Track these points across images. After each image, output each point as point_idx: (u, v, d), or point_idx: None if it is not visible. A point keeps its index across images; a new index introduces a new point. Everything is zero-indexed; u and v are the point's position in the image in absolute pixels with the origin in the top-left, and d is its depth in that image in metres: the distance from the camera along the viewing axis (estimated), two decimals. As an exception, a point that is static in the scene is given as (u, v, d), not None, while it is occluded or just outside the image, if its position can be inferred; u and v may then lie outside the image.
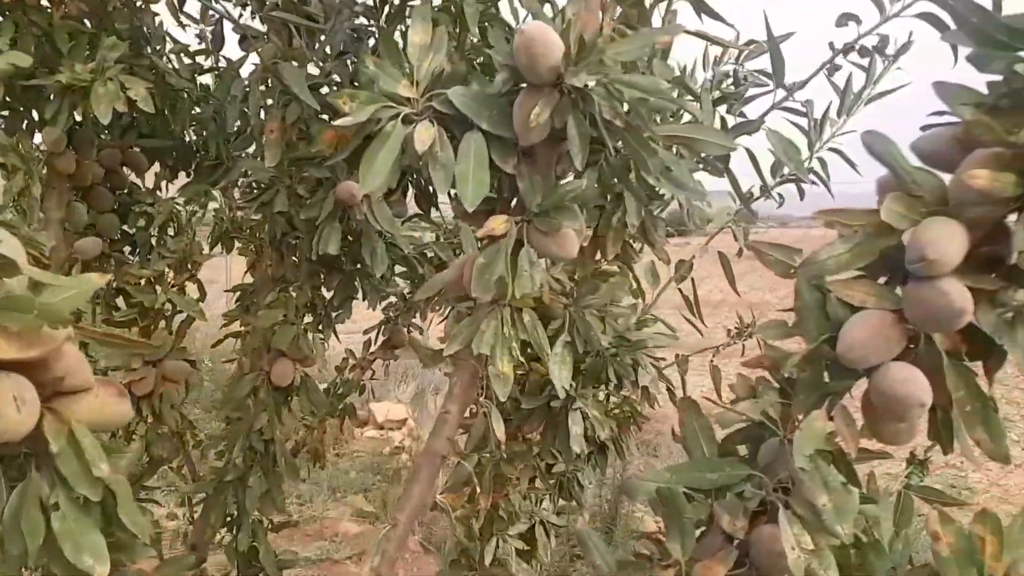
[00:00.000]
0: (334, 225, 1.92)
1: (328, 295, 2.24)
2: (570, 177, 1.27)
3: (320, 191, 1.91)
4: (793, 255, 1.00)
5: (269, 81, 1.92)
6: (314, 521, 5.59)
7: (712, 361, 2.24)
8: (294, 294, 2.15)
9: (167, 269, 2.12)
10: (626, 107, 1.10)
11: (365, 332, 3.14)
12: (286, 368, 2.17)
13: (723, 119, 1.99)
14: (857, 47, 1.77)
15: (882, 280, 0.98)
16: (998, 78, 0.92)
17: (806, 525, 0.96)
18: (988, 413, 0.90)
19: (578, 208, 1.27)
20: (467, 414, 1.70)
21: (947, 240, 0.86)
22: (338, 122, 1.06)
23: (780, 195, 2.46)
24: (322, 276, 2.21)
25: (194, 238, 2.21)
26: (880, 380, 0.92)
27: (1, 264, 0.75)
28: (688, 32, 1.91)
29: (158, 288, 2.13)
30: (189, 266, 2.16)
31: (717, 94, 2.01)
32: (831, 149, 2.15)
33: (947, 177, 0.93)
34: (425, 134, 1.08)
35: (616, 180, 1.22)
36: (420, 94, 1.12)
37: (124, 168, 2.48)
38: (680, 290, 2.41)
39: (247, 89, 1.85)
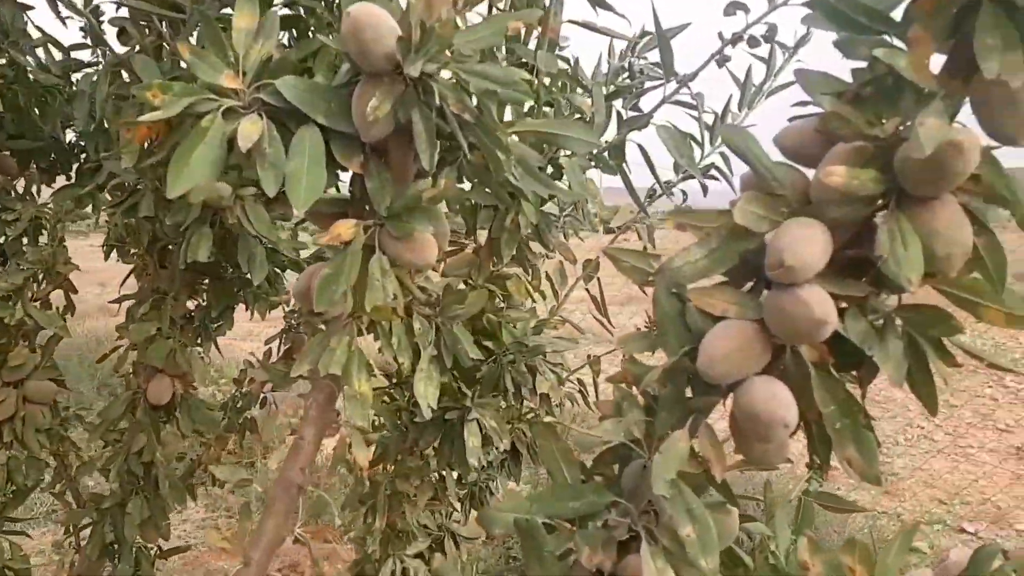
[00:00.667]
0: (203, 230, 1.77)
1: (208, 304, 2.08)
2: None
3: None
4: (651, 261, 0.91)
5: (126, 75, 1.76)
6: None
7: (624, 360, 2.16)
8: (169, 304, 1.99)
9: (27, 281, 1.93)
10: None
11: (267, 342, 2.98)
12: (163, 385, 2.01)
13: (619, 113, 1.91)
14: (746, 37, 1.70)
15: (749, 286, 0.91)
16: (863, 64, 0.85)
17: (670, 558, 0.87)
18: (859, 430, 0.83)
19: (439, 210, 1.17)
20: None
21: (807, 243, 0.78)
22: (144, 117, 0.93)
23: (684, 192, 2.40)
24: (200, 285, 2.06)
25: (58, 245, 2.03)
26: (741, 397, 0.84)
27: None
28: (572, 22, 1.84)
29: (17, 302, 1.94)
30: (52, 277, 1.98)
31: (612, 88, 1.93)
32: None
33: (812, 173, 0.85)
34: (251, 129, 0.96)
35: (477, 180, 1.12)
36: (247, 85, 0.99)
37: (-9, 172, 2.28)
38: (588, 290, 2.34)
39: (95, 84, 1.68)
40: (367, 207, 1.11)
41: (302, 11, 1.70)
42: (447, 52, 0.98)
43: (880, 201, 0.82)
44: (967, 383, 8.03)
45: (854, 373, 0.89)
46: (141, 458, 2.05)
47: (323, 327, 1.18)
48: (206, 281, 2.14)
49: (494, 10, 1.76)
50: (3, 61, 2.14)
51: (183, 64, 0.98)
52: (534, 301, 2.04)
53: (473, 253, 2.02)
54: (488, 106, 0.96)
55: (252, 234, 1.82)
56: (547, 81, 1.85)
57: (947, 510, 5.66)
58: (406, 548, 1.96)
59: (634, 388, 0.98)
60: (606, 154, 1.88)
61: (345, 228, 1.05)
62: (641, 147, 1.80)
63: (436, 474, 1.98)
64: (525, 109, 1.61)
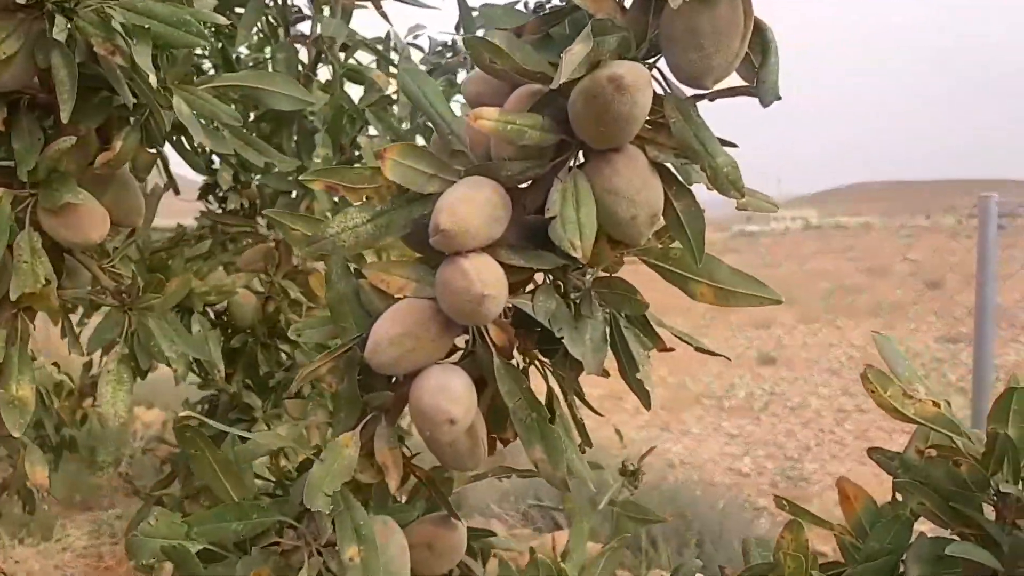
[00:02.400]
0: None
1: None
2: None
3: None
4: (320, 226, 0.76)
5: None
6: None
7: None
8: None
9: None
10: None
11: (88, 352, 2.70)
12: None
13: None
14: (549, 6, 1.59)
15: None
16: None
17: (336, 586, 0.72)
18: (545, 427, 0.70)
19: (126, 179, 0.99)
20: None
21: (469, 204, 0.65)
22: None
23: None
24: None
25: None
26: (413, 391, 0.70)
27: None
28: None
29: None
30: None
31: (431, 66, 1.80)
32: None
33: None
34: None
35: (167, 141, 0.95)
36: None
37: None
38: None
39: None
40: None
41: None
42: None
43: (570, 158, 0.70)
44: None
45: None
46: None
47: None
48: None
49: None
50: None
51: None
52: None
53: (272, 246, 1.84)
54: (137, 46, 0.79)
55: None
56: (342, 55, 1.71)
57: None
58: None
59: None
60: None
61: (-15, 198, 0.86)
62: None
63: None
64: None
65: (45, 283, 0.87)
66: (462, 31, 1.62)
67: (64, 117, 0.81)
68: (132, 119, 0.92)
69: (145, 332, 0.96)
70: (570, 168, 0.67)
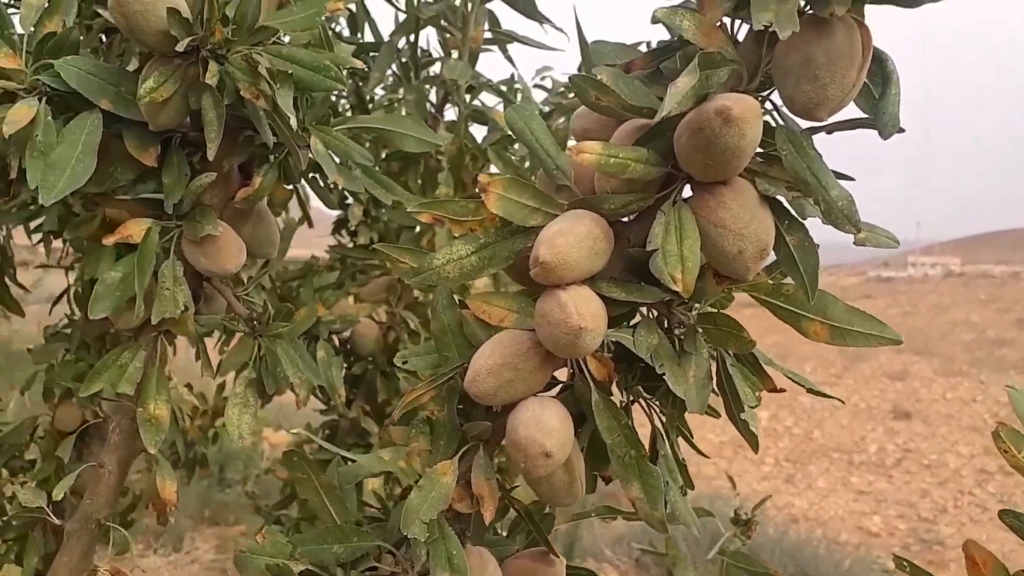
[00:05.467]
0: (106, 247, 1.70)
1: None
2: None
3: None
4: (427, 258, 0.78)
5: None
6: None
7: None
8: (79, 324, 1.91)
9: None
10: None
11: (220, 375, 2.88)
12: (71, 411, 1.92)
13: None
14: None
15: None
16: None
17: (430, 615, 0.72)
18: (643, 465, 0.68)
19: (263, 213, 1.06)
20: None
21: (570, 237, 0.65)
22: None
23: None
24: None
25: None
26: (510, 422, 0.70)
27: None
28: (495, 32, 1.75)
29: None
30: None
31: (552, 105, 1.83)
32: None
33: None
34: (20, 113, 0.87)
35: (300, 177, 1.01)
36: (28, 66, 0.91)
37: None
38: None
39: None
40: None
41: None
42: (252, 35, 0.88)
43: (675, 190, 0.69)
44: None
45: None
46: (47, 487, 1.94)
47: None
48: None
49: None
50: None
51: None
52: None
53: (396, 279, 1.91)
54: (280, 90, 0.85)
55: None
56: (468, 97, 1.77)
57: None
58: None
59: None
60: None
61: (136, 227, 0.95)
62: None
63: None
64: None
65: (184, 309, 0.94)
66: (583, 67, 1.64)
67: (210, 155, 0.88)
68: (271, 157, 0.99)
69: (272, 358, 1.02)
70: (675, 201, 0.66)
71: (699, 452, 0.81)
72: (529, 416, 0.68)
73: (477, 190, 0.68)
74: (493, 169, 1.79)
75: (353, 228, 2.01)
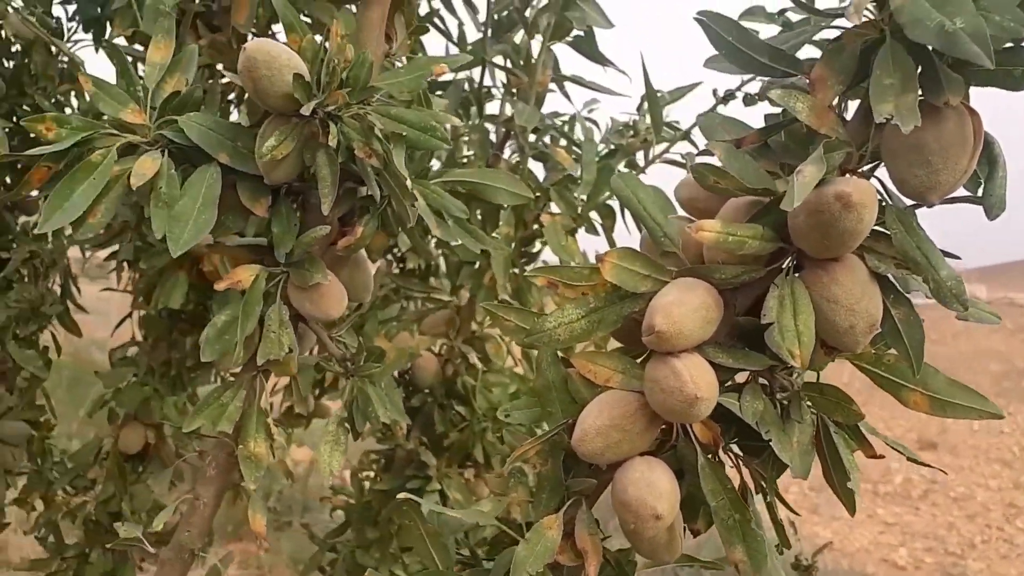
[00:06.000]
0: (178, 277, 1.76)
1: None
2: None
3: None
4: (536, 320, 0.82)
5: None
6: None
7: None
8: (147, 351, 1.97)
9: (11, 320, 1.95)
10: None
11: (271, 393, 2.94)
12: (135, 434, 1.98)
13: (617, 171, 1.84)
14: (740, 94, 1.62)
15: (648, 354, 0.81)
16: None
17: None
18: (747, 529, 0.71)
19: (361, 261, 1.11)
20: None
21: (684, 307, 0.69)
22: (35, 150, 0.91)
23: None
24: (185, 331, 2.04)
25: (50, 286, 2.05)
26: (617, 481, 0.74)
27: None
28: (562, 77, 1.80)
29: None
30: (39, 317, 1.99)
31: (607, 147, 1.87)
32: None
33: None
34: (147, 166, 0.93)
35: (399, 229, 1.06)
36: (152, 121, 0.97)
37: (13, 211, 2.35)
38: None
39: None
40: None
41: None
42: (363, 96, 0.93)
43: (784, 262, 0.72)
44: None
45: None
46: (108, 508, 2.00)
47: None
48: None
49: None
50: (29, 103, 2.21)
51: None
52: (516, 364, 1.95)
53: (454, 312, 1.95)
54: (394, 149, 0.90)
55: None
56: (532, 136, 1.81)
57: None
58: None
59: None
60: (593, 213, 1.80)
61: (246, 273, 1.00)
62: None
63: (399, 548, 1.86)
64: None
65: (288, 351, 0.98)
66: (648, 114, 1.68)
67: (325, 210, 0.93)
68: (370, 208, 1.03)
69: (364, 398, 1.06)
70: (786, 274, 0.69)
71: (791, 511, 0.83)
72: (639, 477, 0.72)
73: (595, 260, 0.71)
74: (554, 208, 1.83)
75: (400, 254, 2.06)
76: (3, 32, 2.01)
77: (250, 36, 1.38)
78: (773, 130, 0.74)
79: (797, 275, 0.69)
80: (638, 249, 0.74)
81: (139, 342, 2.00)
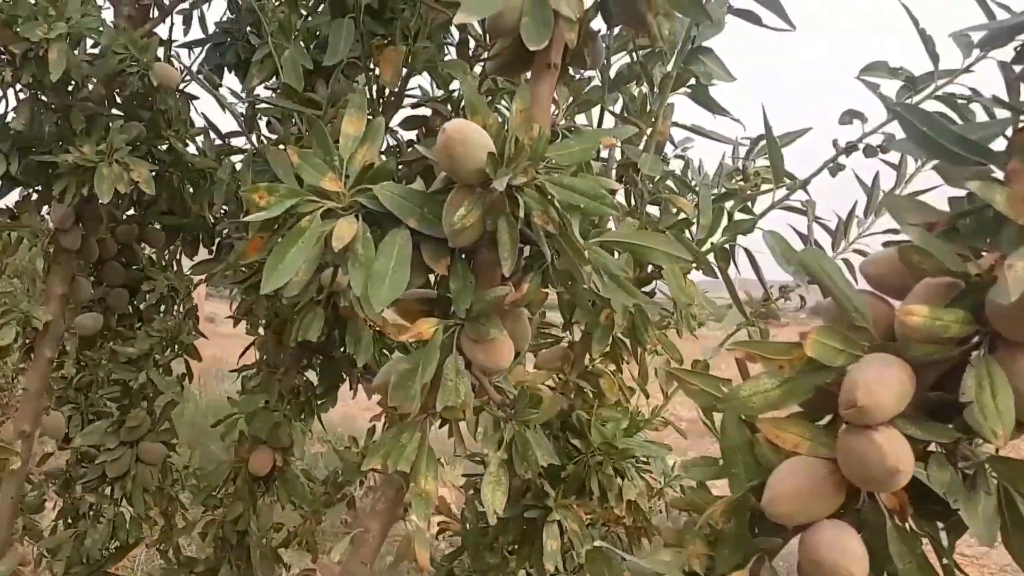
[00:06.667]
0: (316, 311, 1.88)
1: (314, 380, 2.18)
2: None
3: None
4: (719, 386, 0.88)
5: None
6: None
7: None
8: (278, 379, 2.09)
9: (152, 348, 2.10)
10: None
11: (372, 420, 3.05)
12: (264, 457, 2.10)
13: (730, 216, 1.89)
14: (862, 146, 1.65)
15: (826, 420, 0.86)
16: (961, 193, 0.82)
17: None
18: (938, 594, 0.75)
19: (522, 314, 1.18)
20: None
21: (883, 384, 0.74)
22: (249, 217, 1.01)
23: (802, 297, 2.32)
24: (310, 361, 2.16)
25: (186, 317, 2.20)
26: (807, 543, 0.79)
27: None
28: (680, 126, 1.85)
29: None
30: (177, 345, 2.14)
31: (720, 190, 1.91)
32: (856, 251, 2.01)
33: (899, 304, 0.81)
34: (345, 229, 1.02)
35: (561, 286, 1.13)
36: (347, 188, 1.07)
37: (140, 244, 2.53)
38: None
39: (236, 169, 1.86)
40: (450, 307, 1.15)
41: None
42: (537, 167, 1.01)
43: (975, 340, 0.76)
44: None
45: (940, 525, 0.82)
46: (236, 526, 2.12)
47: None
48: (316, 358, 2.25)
49: (606, 114, 1.81)
50: (164, 147, 2.39)
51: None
52: (628, 400, 1.99)
53: (568, 347, 2.02)
54: (567, 217, 0.98)
55: (362, 317, 1.91)
56: (651, 183, 1.87)
57: None
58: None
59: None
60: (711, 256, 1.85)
61: (427, 326, 1.08)
62: (748, 251, 1.77)
63: (514, 575, 1.93)
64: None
65: (464, 399, 1.06)
66: (769, 160, 1.72)
67: (506, 272, 1.01)
68: (534, 266, 1.11)
69: (523, 441, 1.14)
70: (982, 355, 0.74)
71: (963, 573, 0.86)
72: (832, 541, 0.76)
73: (800, 337, 0.77)
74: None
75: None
76: (149, 80, 2.17)
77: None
78: (961, 215, 0.78)
79: (991, 355, 0.73)
80: (830, 326, 0.79)
81: (271, 370, 2.13)
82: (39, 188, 2.26)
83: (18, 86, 2.11)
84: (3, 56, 2.07)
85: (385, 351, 2.25)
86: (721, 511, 0.85)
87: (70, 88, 2.13)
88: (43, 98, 2.10)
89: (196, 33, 2.43)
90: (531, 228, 1.03)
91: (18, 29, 1.95)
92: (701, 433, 2.26)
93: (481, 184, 1.01)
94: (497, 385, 1.18)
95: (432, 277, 1.15)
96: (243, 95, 2.30)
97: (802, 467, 0.80)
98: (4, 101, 2.15)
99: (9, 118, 2.15)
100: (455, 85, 2.05)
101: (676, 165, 2.11)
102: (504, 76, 1.33)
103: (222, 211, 2.48)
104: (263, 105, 2.01)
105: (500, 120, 1.05)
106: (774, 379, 0.80)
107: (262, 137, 2.35)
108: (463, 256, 1.12)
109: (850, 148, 1.63)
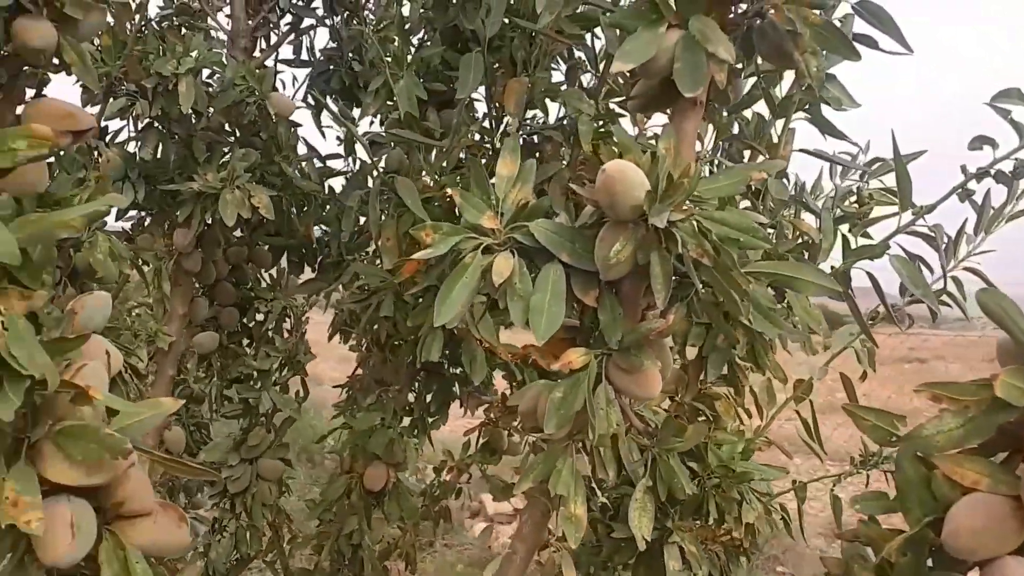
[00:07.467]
0: (437, 333, 1.94)
1: (426, 398, 2.25)
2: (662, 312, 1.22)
3: (426, 298, 1.94)
4: (894, 421, 0.89)
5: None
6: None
7: (832, 490, 2.07)
8: (392, 396, 2.17)
9: (272, 367, 2.20)
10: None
11: (466, 434, 3.11)
12: (379, 472, 2.17)
13: (846, 239, 1.87)
14: (993, 172, 1.63)
15: (1001, 457, 0.86)
16: None
17: None
18: None
19: (665, 344, 1.21)
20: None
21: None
22: (418, 254, 1.07)
23: (909, 316, 2.28)
24: (421, 380, 2.23)
25: (303, 338, 2.29)
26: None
27: (76, 394, 0.78)
28: (805, 152, 1.85)
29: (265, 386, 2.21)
30: (293, 365, 2.24)
31: (839, 212, 1.90)
32: (967, 268, 1.97)
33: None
34: (504, 265, 1.07)
35: (707, 316, 1.16)
36: (503, 225, 1.12)
37: (249, 264, 2.65)
38: (798, 412, 2.25)
39: (364, 197, 1.94)
40: (594, 337, 1.18)
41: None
42: (688, 201, 1.04)
43: None
44: None
45: None
46: (351, 540, 2.20)
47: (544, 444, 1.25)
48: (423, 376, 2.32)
49: (719, 144, 1.83)
50: (275, 170, 2.50)
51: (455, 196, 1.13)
52: (740, 421, 1.99)
53: (681, 369, 2.03)
54: (728, 251, 1.00)
55: (476, 337, 1.96)
56: (771, 205, 1.88)
57: None
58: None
59: (869, 549, 0.95)
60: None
61: (576, 356, 1.12)
62: (870, 275, 1.75)
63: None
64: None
65: (615, 427, 1.10)
66: (897, 184, 1.71)
67: (660, 304, 1.04)
68: (680, 296, 1.14)
69: (667, 469, 1.16)
70: None
71: None
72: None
73: (992, 379, 0.78)
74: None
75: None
76: (265, 108, 2.28)
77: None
78: None
79: None
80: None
81: (384, 387, 2.20)
82: (153, 212, 2.40)
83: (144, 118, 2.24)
84: (135, 91, 2.21)
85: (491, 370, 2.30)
86: (898, 545, 0.86)
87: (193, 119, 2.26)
88: (165, 129, 2.23)
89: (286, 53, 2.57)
90: (681, 261, 1.06)
91: (150, 64, 2.09)
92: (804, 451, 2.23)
93: (635, 220, 1.05)
94: (638, 412, 1.21)
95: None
96: (354, 122, 2.39)
97: (983, 503, 0.80)
98: (126, 132, 2.29)
99: (131, 148, 2.29)
100: (555, 109, 2.11)
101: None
102: (646, 113, 1.36)
103: (323, 232, 2.59)
104: (382, 136, 2.09)
105: (651, 158, 1.08)
106: (958, 418, 0.81)
107: (359, 161, 2.45)
108: (609, 287, 1.15)
109: (982, 174, 1.60)
